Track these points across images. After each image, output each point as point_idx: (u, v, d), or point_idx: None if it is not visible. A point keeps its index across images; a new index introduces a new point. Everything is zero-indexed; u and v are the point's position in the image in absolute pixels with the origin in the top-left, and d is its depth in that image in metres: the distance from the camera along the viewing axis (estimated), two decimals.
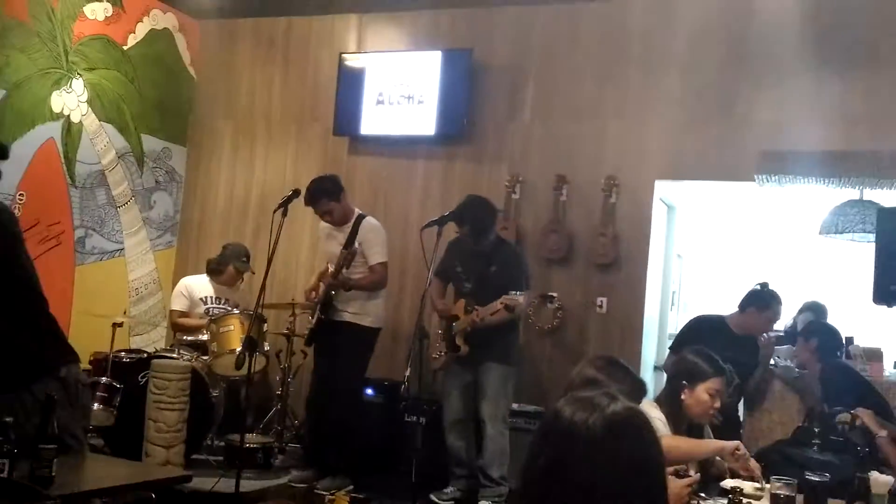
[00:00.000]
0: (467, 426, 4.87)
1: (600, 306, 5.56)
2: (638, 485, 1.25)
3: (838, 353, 4.71)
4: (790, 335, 5.75)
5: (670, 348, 5.06)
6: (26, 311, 2.86)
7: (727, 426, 4.08)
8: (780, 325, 5.64)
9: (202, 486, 4.27)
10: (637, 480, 1.26)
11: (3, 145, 2.82)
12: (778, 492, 2.76)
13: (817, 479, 2.91)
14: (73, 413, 2.92)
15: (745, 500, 2.56)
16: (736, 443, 3.22)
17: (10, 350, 2.74)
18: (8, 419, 2.31)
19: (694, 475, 2.84)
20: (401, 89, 6.08)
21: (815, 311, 5.44)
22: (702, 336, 4.60)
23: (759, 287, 4.83)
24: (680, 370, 3.32)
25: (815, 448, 3.40)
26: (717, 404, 3.21)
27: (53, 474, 2.37)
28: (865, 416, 3.76)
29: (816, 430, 3.58)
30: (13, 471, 2.24)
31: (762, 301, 4.76)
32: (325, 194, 4.99)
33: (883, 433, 3.69)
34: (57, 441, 2.44)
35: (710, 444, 3.30)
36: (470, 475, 4.82)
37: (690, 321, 5.07)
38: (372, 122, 6.17)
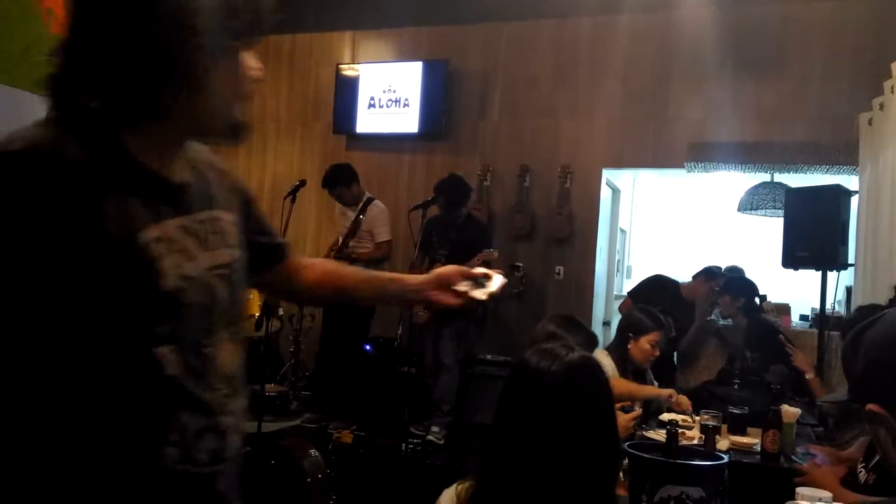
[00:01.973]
0: None
1: (558, 273, 5.58)
2: (593, 418, 1.27)
3: (759, 307, 4.73)
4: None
5: (629, 294, 5.08)
6: None
7: (663, 369, 4.12)
8: None
9: None
10: (592, 414, 1.27)
11: None
12: (706, 422, 2.80)
13: (738, 412, 2.96)
14: None
15: (679, 430, 2.60)
16: (669, 391, 3.27)
17: None
18: None
19: (637, 410, 2.88)
20: (389, 94, 6.02)
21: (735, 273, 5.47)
22: (655, 291, 4.64)
23: (711, 265, 4.91)
24: (627, 324, 3.36)
25: (736, 386, 3.44)
26: (657, 352, 3.25)
27: None
28: (798, 357, 3.80)
29: (737, 371, 3.61)
30: None
31: (710, 273, 4.81)
32: (337, 181, 5.05)
33: (811, 374, 3.74)
34: None
35: (646, 389, 3.34)
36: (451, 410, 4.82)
37: (651, 277, 5.07)
38: (365, 122, 6.12)
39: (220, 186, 1.17)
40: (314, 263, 1.41)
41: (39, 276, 0.90)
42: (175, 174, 1.06)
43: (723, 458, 1.82)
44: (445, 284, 1.37)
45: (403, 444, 4.35)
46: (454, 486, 1.33)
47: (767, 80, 5.11)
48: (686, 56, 5.29)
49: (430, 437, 4.63)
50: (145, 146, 1.00)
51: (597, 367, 1.32)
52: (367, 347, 5.31)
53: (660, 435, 2.71)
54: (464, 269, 1.39)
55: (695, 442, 2.75)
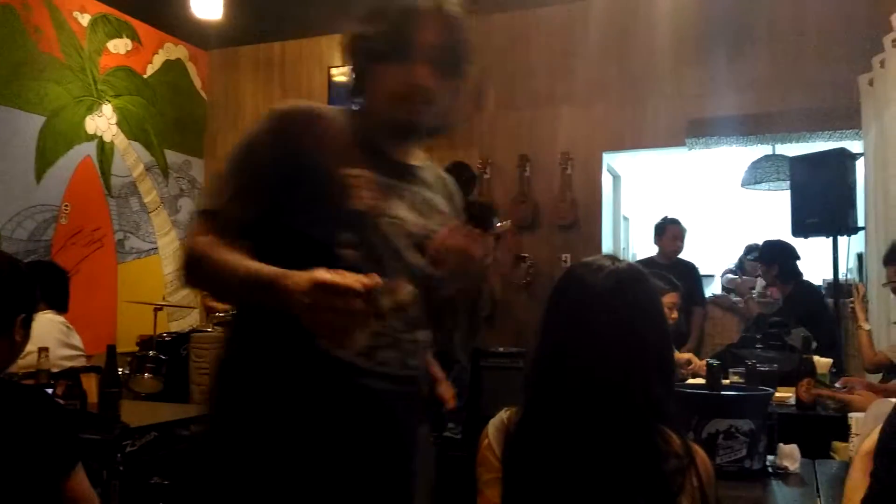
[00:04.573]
0: None
1: (565, 261, 5.51)
2: (647, 324, 1.20)
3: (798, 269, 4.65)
4: (738, 271, 5.78)
5: None
6: None
7: (677, 337, 4.07)
8: (730, 263, 5.69)
9: None
10: (645, 320, 1.20)
11: None
12: (711, 361, 2.72)
13: (766, 368, 2.89)
14: None
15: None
16: (687, 356, 3.21)
17: None
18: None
19: None
20: None
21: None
22: None
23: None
24: None
25: (759, 349, 3.37)
26: (675, 315, 3.19)
27: (118, 414, 2.30)
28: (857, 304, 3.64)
29: (758, 336, 3.55)
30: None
31: (657, 229, 4.87)
32: None
33: (866, 327, 3.57)
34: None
35: None
36: None
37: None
38: None
39: (441, 186, 1.59)
40: None
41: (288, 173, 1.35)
42: (400, 157, 1.49)
43: (768, 390, 1.76)
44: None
45: None
46: (502, 411, 1.26)
47: (762, 49, 5.08)
48: (680, 32, 5.27)
49: (446, 434, 4.53)
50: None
51: (644, 273, 1.25)
52: None
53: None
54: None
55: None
